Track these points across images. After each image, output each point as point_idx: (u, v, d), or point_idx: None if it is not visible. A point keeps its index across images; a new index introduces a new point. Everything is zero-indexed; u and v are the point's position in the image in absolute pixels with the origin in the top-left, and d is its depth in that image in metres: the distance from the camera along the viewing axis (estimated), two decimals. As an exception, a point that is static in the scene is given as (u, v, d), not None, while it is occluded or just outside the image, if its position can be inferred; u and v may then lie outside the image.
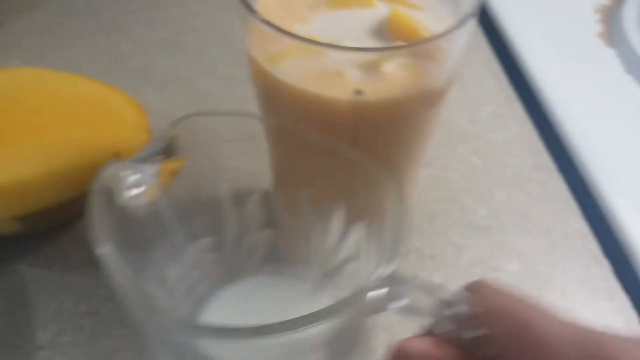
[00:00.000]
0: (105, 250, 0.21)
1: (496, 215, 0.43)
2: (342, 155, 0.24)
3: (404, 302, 0.20)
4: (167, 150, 0.27)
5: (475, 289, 0.20)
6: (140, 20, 0.56)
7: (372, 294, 0.20)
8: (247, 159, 0.32)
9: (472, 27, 0.25)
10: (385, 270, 0.20)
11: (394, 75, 0.24)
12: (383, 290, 0.20)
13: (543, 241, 0.41)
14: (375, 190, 0.23)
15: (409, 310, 0.20)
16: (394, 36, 0.27)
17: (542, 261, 0.40)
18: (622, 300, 0.38)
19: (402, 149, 0.28)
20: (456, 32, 0.23)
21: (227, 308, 0.32)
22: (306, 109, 0.25)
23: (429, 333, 0.20)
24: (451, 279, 0.39)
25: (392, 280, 0.20)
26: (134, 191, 0.25)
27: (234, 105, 0.49)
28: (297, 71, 0.24)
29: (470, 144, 0.48)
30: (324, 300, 0.32)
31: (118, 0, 0.58)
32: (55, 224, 0.39)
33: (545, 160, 0.47)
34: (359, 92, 0.24)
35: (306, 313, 0.19)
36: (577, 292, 0.38)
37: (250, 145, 0.30)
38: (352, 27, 0.28)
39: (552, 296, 0.38)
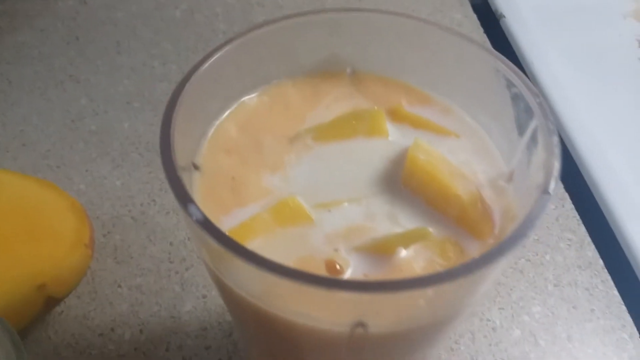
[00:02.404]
0: None
1: (533, 336, 0.34)
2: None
3: None
4: None
5: None
6: (100, 67, 0.47)
7: None
8: None
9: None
10: None
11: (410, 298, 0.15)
12: None
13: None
14: None
15: None
16: (411, 193, 0.18)
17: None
18: None
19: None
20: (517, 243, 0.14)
21: None
22: (274, 335, 0.16)
23: None
24: None
25: None
26: None
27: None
28: (258, 286, 0.15)
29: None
30: None
31: (74, 44, 0.49)
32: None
33: (592, 253, 0.38)
34: (360, 325, 0.15)
35: None
36: None
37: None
38: (350, 173, 0.19)
39: None
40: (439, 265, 0.16)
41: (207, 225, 0.14)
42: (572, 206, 0.40)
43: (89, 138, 0.42)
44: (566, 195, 0.41)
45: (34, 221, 0.30)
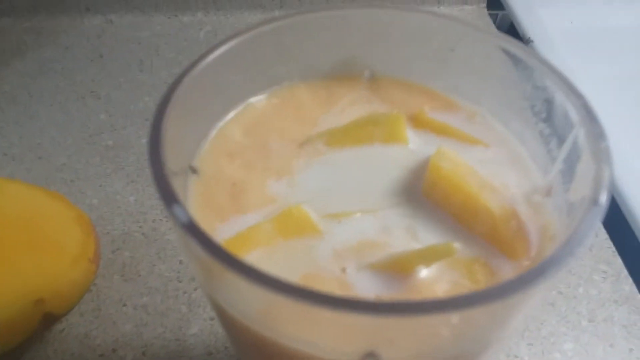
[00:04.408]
0: None
1: (569, 378, 0.31)
2: None
3: None
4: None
5: None
6: (122, 84, 0.47)
7: None
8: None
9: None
10: None
11: (433, 327, 0.13)
12: None
13: None
14: None
15: None
16: (434, 206, 0.16)
17: None
18: None
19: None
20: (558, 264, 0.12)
21: None
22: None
23: None
24: None
25: None
26: None
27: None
28: (254, 305, 0.13)
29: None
30: None
31: (97, 62, 0.49)
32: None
33: (629, 287, 0.35)
34: (370, 356, 0.13)
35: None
36: None
37: None
38: (365, 182, 0.17)
39: None
40: (465, 288, 0.14)
41: (193, 230, 0.12)
42: (607, 236, 0.37)
43: (105, 153, 0.41)
44: (600, 224, 0.38)
45: (37, 232, 0.29)
